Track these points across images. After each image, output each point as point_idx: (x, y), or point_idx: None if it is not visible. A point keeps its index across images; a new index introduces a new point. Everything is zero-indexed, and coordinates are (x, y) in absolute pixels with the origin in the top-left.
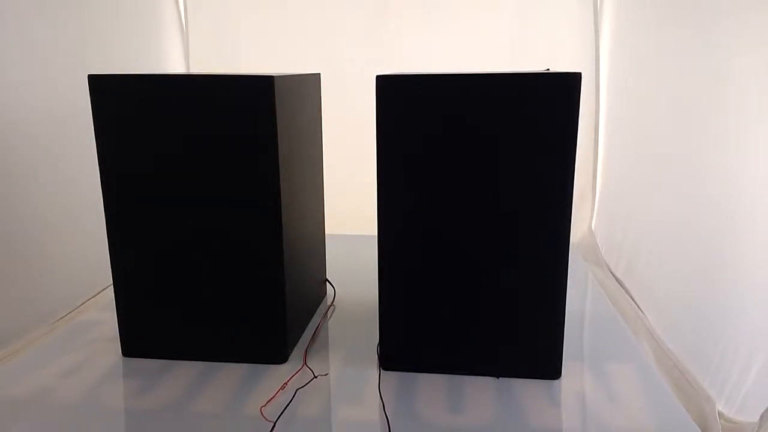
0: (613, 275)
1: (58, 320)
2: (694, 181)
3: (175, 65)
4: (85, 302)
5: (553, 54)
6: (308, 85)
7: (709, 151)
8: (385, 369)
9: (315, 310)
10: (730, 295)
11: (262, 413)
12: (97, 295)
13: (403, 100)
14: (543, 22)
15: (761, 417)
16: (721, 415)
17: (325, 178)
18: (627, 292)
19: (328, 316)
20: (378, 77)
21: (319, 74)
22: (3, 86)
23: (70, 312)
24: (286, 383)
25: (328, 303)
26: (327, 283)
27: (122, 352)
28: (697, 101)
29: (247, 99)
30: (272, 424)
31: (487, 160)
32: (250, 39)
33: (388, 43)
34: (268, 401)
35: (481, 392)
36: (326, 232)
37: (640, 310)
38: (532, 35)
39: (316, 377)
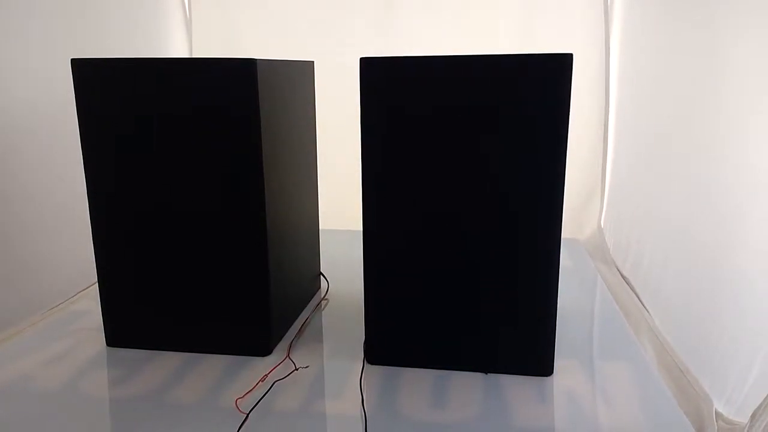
0: (620, 273)
1: (50, 309)
2: (701, 180)
3: (178, 54)
4: (79, 292)
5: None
6: (299, 72)
7: (717, 149)
8: (371, 363)
9: (306, 304)
10: (733, 294)
11: (236, 405)
12: (92, 285)
13: (387, 83)
14: (552, 18)
15: (751, 416)
16: (719, 415)
17: (332, 173)
18: (633, 290)
19: (320, 309)
20: (362, 59)
21: (313, 62)
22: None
23: (64, 302)
24: (266, 375)
25: (322, 297)
26: (322, 277)
27: (106, 342)
28: (707, 99)
29: (230, 82)
30: (245, 415)
31: (476, 145)
32: (254, 27)
33: (395, 35)
34: (246, 393)
35: (467, 388)
36: (330, 228)
37: (645, 308)
38: (541, 28)
39: (297, 369)
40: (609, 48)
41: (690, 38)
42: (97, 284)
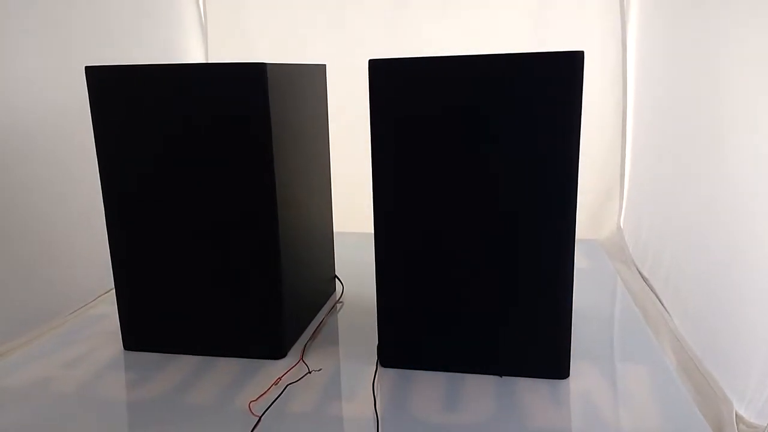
0: (640, 273)
1: (69, 314)
2: (722, 179)
3: (194, 60)
4: (97, 297)
5: (578, 46)
6: (310, 75)
7: (738, 148)
8: (384, 366)
9: (321, 307)
10: (754, 295)
11: (250, 408)
12: (110, 290)
13: (396, 85)
14: (567, 15)
15: None
16: (740, 418)
17: (346, 175)
18: (653, 290)
19: (335, 312)
20: (370, 61)
21: (324, 65)
22: (19, 85)
23: (82, 307)
24: (279, 378)
25: (336, 299)
26: (336, 279)
27: (123, 346)
28: (728, 97)
29: (241, 86)
30: (258, 418)
31: (487, 146)
32: (270, 32)
33: (406, 35)
34: (260, 396)
35: (481, 391)
36: (343, 230)
37: (665, 309)
38: (556, 26)
39: (310, 372)
40: (626, 45)
41: (709, 34)
42: (114, 289)
